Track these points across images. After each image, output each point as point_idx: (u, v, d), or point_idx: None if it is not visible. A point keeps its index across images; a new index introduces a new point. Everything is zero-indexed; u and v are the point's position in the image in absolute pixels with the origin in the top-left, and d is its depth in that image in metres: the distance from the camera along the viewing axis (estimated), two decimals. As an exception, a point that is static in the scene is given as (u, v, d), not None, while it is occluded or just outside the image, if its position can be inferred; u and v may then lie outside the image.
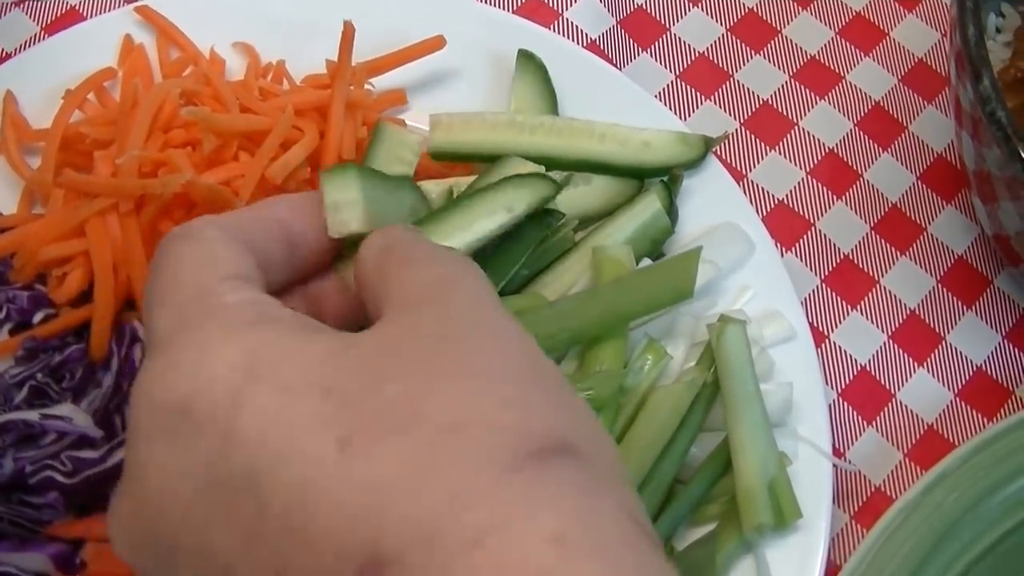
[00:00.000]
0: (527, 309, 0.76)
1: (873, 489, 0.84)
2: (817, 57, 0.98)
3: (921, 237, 0.92)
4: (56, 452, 0.73)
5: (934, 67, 0.99)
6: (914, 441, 0.86)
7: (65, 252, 0.78)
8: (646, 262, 0.81)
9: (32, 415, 0.74)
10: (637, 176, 0.85)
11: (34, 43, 0.93)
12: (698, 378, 0.77)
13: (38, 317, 0.78)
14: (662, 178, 0.85)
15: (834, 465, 0.79)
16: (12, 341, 0.76)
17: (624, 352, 0.76)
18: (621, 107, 0.88)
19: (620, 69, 0.94)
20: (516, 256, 0.77)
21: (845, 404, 0.86)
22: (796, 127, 0.95)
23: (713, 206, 0.86)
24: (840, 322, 0.89)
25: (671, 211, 0.84)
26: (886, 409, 0.86)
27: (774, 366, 0.81)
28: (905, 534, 0.77)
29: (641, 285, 0.76)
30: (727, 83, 0.97)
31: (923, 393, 0.87)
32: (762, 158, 0.94)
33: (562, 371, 0.73)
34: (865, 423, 0.86)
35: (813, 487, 0.78)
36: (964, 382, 0.88)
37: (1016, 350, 0.89)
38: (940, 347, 0.89)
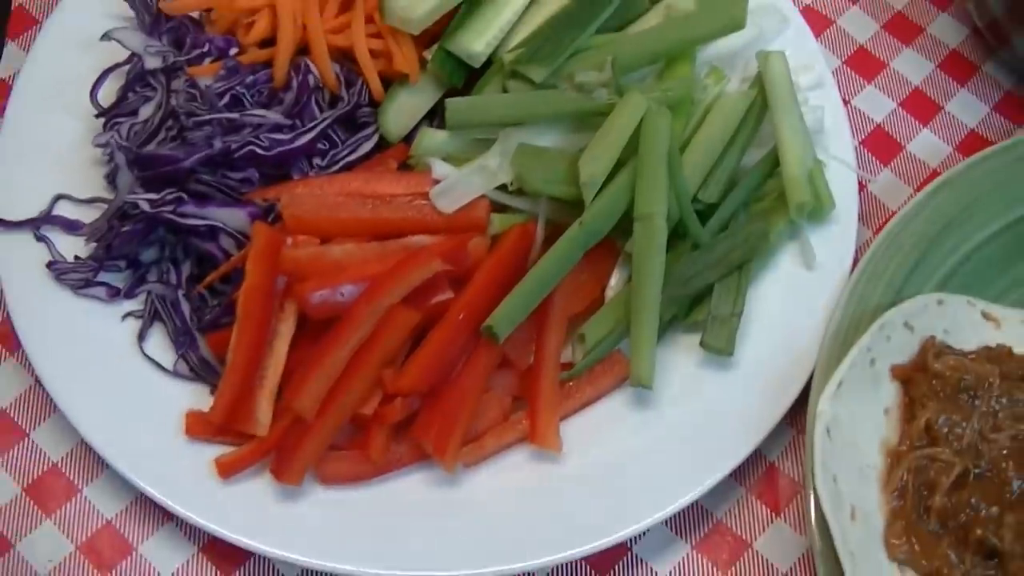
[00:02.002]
0: (616, 40, 0.98)
1: (890, 212, 1.04)
2: None
3: (922, 35, 1.14)
4: (256, 135, 0.93)
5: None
6: (922, 179, 1.06)
7: (255, 3, 0.99)
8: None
9: (233, 114, 0.95)
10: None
11: None
12: (751, 92, 0.98)
13: (232, 52, 0.99)
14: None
15: (858, 182, 1.00)
16: (215, 64, 0.97)
17: (692, 70, 0.98)
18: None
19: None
20: (604, 6, 0.99)
21: (864, 150, 1.07)
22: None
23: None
24: (858, 92, 1.10)
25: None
26: (899, 156, 1.07)
27: (808, 102, 1.02)
28: (918, 224, 0.97)
29: (704, 16, 0.98)
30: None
31: (928, 145, 1.08)
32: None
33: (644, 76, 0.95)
34: (881, 164, 1.07)
35: (842, 192, 0.99)
36: (961, 139, 1.09)
37: (1003, 118, 1.10)
38: (940, 114, 1.10)
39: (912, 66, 1.12)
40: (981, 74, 1.12)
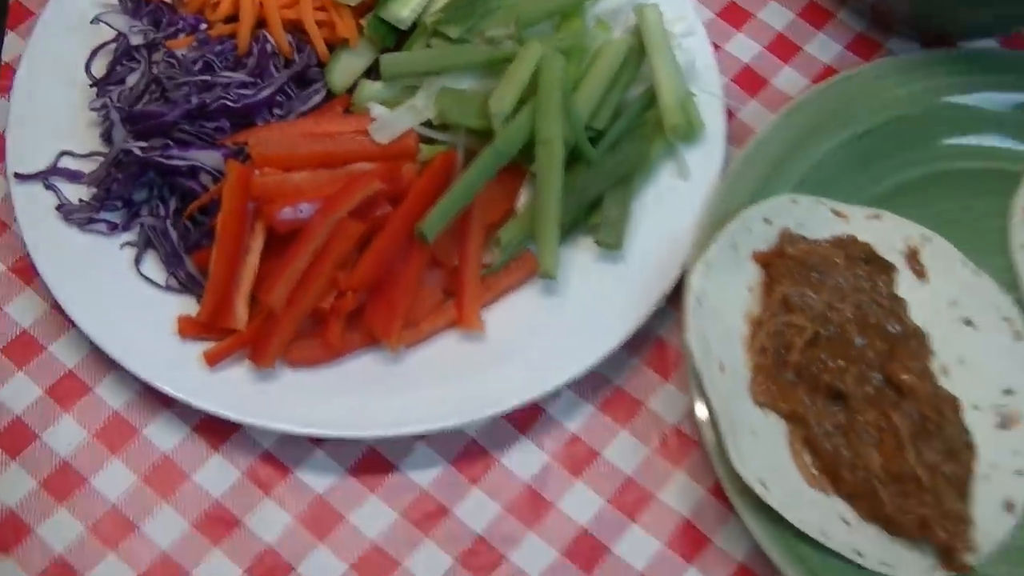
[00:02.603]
0: (519, 1, 1.19)
1: (752, 133, 1.24)
2: None
3: (787, -13, 1.35)
4: (226, 92, 1.14)
5: None
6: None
7: (219, -13, 1.20)
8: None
9: (206, 76, 1.15)
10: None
11: None
12: (631, 39, 1.19)
13: (202, 28, 1.20)
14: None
15: (727, 109, 1.21)
16: (189, 38, 1.18)
17: (583, 24, 1.19)
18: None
19: None
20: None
21: (735, 85, 1.29)
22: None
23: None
24: (730, 39, 1.32)
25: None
26: (765, 89, 1.29)
27: (681, 46, 1.22)
28: (775, 139, 1.17)
29: (590, -22, 1.19)
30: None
31: (790, 79, 1.30)
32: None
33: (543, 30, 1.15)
34: (749, 96, 1.28)
35: (711, 118, 1.19)
36: (818, 73, 1.30)
37: (854, 55, 1.31)
38: (800, 53, 1.31)
39: (776, 15, 1.33)
40: (835, 20, 1.34)
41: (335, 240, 1.07)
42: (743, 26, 1.33)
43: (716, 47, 1.26)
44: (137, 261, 1.13)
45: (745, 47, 1.31)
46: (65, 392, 1.11)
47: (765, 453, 1.02)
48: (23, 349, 1.13)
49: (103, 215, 1.14)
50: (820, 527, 1.00)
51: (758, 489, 0.98)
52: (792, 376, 1.05)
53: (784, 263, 1.09)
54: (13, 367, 1.12)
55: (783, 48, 1.31)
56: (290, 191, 1.09)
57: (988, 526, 1.03)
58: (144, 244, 1.13)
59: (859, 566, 0.99)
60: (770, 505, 0.98)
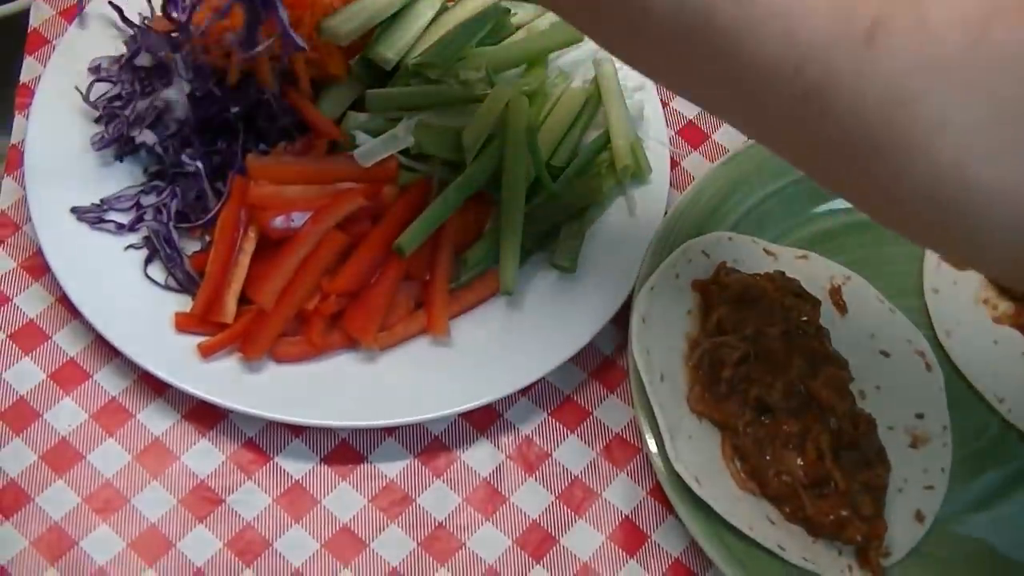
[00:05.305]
0: (491, 49, 1.34)
1: (692, 179, 1.40)
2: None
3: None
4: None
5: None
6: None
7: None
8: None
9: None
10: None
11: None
12: (589, 88, 1.35)
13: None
14: None
15: (671, 157, 1.37)
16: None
17: (546, 73, 1.34)
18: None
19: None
20: (479, 29, 1.35)
21: (679, 137, 1.44)
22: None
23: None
24: (676, 97, 1.47)
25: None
26: (706, 142, 1.44)
27: (633, 98, 1.38)
28: (712, 185, 1.33)
29: (554, 32, 1.35)
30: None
31: (728, 135, 1.45)
32: None
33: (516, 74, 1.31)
34: (692, 148, 1.44)
35: (658, 163, 1.35)
36: (751, 131, 1.46)
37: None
38: (737, 113, 1.47)
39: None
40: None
41: (322, 248, 1.20)
42: (689, 84, 1.48)
43: (664, 103, 1.42)
44: (145, 264, 1.24)
45: (689, 105, 1.45)
46: (66, 377, 1.22)
47: (699, 456, 1.14)
48: (29, 337, 1.24)
49: (112, 216, 1.25)
50: (748, 523, 1.11)
51: (692, 484, 1.10)
52: (725, 389, 1.18)
53: (720, 291, 1.23)
54: (20, 352, 1.23)
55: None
56: (282, 202, 1.22)
57: (901, 534, 1.16)
58: (149, 247, 1.25)
59: (783, 560, 1.11)
60: (702, 498, 1.10)
